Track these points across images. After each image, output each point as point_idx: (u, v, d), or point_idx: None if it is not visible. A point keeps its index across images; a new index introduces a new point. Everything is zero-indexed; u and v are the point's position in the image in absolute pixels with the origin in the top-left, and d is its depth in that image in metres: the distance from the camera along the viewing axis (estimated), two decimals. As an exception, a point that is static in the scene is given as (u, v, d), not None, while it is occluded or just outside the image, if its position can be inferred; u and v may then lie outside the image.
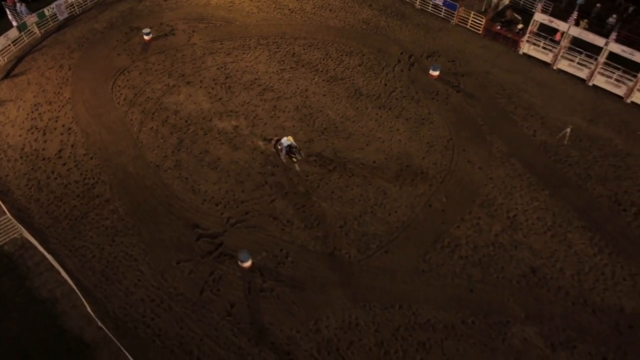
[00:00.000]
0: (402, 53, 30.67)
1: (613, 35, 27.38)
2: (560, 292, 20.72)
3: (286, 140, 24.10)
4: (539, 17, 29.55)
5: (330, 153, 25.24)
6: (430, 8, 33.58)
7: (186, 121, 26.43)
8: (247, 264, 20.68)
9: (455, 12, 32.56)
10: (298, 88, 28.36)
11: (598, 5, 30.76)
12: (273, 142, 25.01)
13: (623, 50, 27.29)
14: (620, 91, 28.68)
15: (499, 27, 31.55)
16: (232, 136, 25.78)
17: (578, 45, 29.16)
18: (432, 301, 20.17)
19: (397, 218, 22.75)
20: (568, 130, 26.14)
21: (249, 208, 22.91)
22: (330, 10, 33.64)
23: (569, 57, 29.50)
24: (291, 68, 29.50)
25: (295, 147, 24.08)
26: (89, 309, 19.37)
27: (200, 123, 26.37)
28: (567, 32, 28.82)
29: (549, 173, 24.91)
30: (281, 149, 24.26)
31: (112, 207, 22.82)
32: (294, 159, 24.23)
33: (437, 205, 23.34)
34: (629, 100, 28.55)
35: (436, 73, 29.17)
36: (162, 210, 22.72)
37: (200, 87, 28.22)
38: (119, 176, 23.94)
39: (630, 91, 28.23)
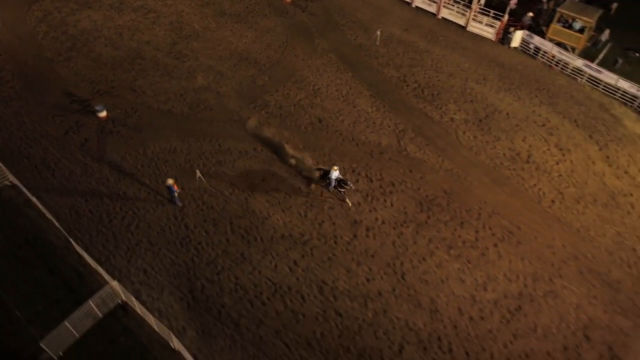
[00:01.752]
0: (267, -13, 37.47)
1: (419, -39, 34.03)
2: (336, 133, 27.15)
3: (334, 173, 23.39)
4: (371, -47, 36.30)
5: (188, 51, 31.88)
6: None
7: (82, 32, 33.18)
8: (103, 114, 27.24)
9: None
10: (176, 10, 35.12)
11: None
12: (320, 173, 24.29)
13: (427, -26, 33.96)
14: (433, 9, 35.24)
15: (348, -34, 38.24)
16: (114, 41, 32.48)
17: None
18: (235, 138, 26.64)
19: (226, 90, 29.30)
20: (378, 32, 32.68)
21: (115, 84, 29.54)
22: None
23: (397, -15, 36.21)
24: (174, -3, 36.36)
25: (344, 180, 23.52)
26: (-22, 141, 26.02)
27: (93, 33, 33.11)
28: (391, -36, 35.51)
29: (357, 62, 31.44)
30: (329, 182, 23.80)
31: (11, 85, 29.48)
32: (344, 190, 23.75)
33: (260, 82, 29.88)
34: (440, 16, 35.08)
35: (289, -1, 35.92)
36: (49, 87, 29.36)
37: (99, 10, 35.02)
38: (20, 66, 30.64)
39: (439, 8, 34.77)
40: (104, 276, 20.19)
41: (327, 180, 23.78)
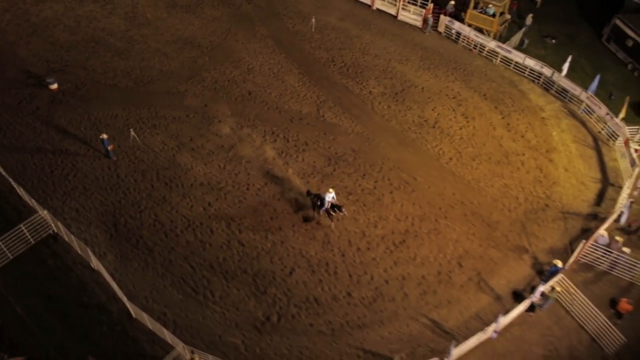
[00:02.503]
0: (219, -17, 42.51)
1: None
2: (262, 103, 31.57)
3: (329, 195, 24.18)
4: (313, -49, 41.44)
5: (138, 36, 36.63)
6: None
7: (43, 20, 37.97)
8: (54, 86, 31.78)
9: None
10: (132, 2, 40.02)
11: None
12: (312, 195, 25.06)
13: (361, -32, 38.87)
14: (368, 1, 40.08)
15: (294, -36, 43.37)
16: (72, 28, 37.27)
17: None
18: (170, 106, 31.07)
19: (169, 68, 33.90)
20: (313, 20, 37.43)
21: (69, 63, 34.13)
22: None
23: (337, -20, 41.18)
24: (132, -8, 41.35)
25: (338, 206, 24.27)
26: (-59, 108, 30.55)
27: (53, 21, 37.93)
28: (330, -39, 40.55)
29: (291, 46, 36.10)
30: (321, 204, 24.45)
31: (-25, 64, 34.27)
32: (335, 216, 24.48)
33: (200, 62, 34.50)
34: (374, 7, 39.89)
35: (237, -8, 40.85)
36: (8, 65, 33.91)
37: (61, 2, 39.81)
38: (-16, 48, 35.48)
39: (373, 0, 39.62)
40: (38, 210, 24.30)
41: (319, 202, 24.49)
